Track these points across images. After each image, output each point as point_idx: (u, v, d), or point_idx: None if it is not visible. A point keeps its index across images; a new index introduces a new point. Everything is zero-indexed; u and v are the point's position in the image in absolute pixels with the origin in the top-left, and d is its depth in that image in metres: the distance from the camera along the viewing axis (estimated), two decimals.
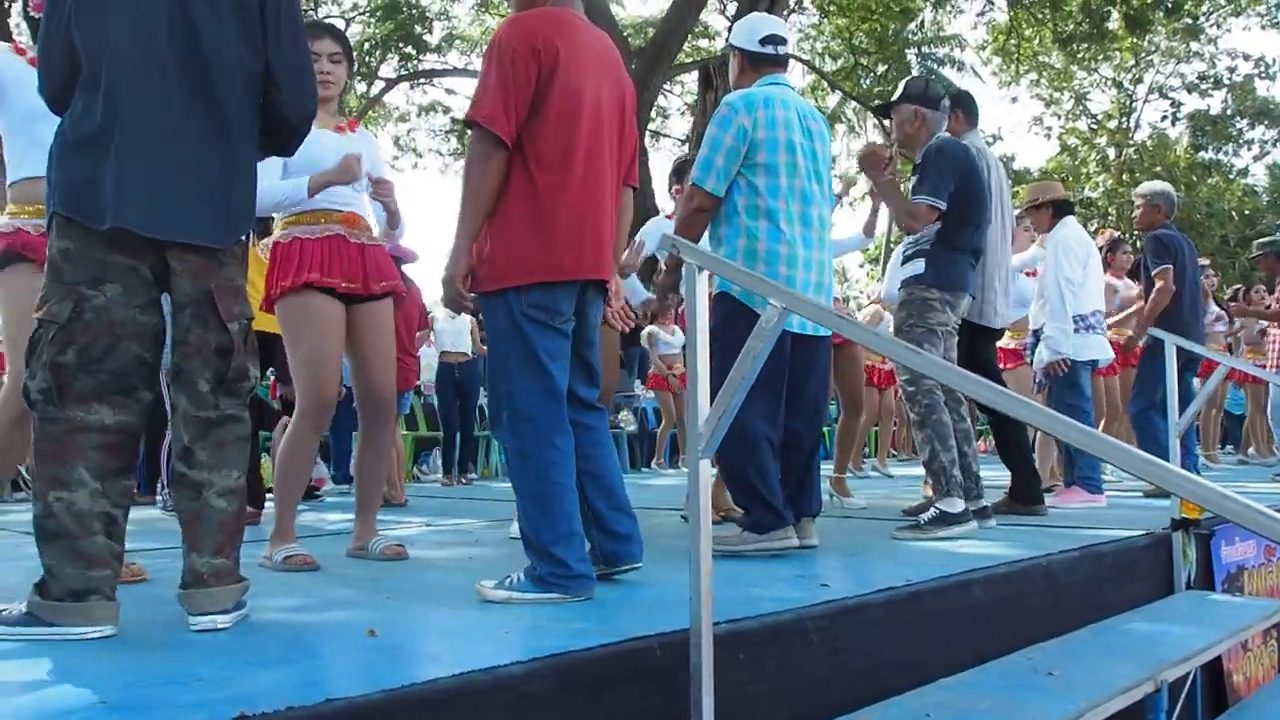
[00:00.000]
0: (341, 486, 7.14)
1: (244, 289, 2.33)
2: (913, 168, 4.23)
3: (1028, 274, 6.25)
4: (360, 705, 1.60)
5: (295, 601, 2.61)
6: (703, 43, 20.95)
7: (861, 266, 30.80)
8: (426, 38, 18.52)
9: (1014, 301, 5.22)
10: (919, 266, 4.16)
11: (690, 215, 3.48)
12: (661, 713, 1.99)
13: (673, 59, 16.56)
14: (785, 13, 15.17)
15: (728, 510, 4.05)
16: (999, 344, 5.54)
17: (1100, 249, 6.46)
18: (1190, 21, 21.79)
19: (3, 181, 3.17)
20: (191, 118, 2.19)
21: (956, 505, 3.91)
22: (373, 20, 18.17)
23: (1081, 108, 27.19)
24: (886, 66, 20.48)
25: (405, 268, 6.39)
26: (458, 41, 19.66)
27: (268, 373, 5.78)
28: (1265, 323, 8.29)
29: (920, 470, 3.99)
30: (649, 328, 8.92)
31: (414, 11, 17.97)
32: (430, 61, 19.46)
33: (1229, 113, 26.76)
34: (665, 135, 24.69)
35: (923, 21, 21.43)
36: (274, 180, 3.21)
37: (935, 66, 22.47)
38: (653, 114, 19.40)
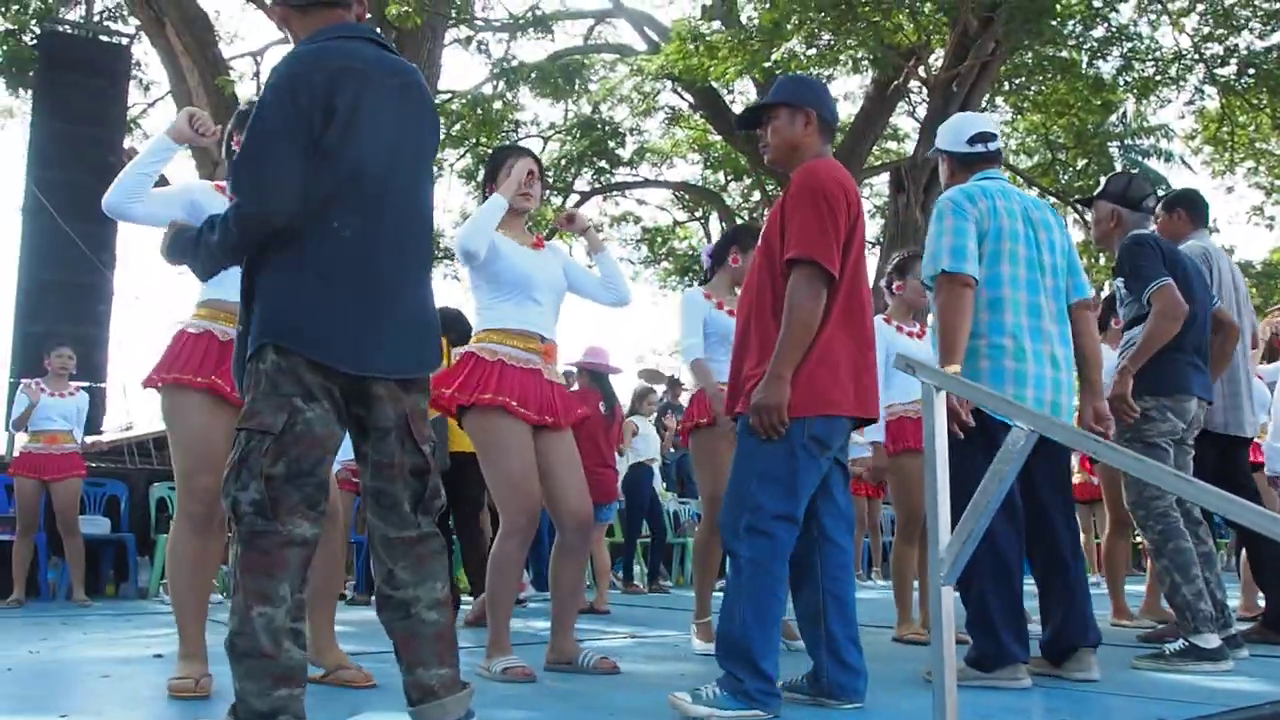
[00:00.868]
0: (544, 593, 7.22)
1: (427, 413, 2.40)
2: (1113, 269, 4.00)
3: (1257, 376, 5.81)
4: None
5: (522, 715, 2.64)
6: (891, 145, 20.91)
7: None
8: (619, 152, 19.21)
9: (1258, 406, 4.85)
10: None
11: (956, 299, 3.18)
12: None
13: (863, 162, 16.57)
14: (978, 110, 14.99)
15: None
16: None
17: None
18: None
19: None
20: (415, 257, 2.32)
21: (1211, 640, 3.54)
22: (569, 138, 19.02)
23: None
24: (1087, 160, 19.81)
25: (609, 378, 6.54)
26: (649, 154, 20.30)
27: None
28: None
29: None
30: None
31: (607, 128, 18.71)
32: (622, 174, 20.15)
33: None
34: None
35: (1125, 113, 20.70)
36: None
37: (1140, 159, 21.58)
38: None
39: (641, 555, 8.95)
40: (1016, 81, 17.21)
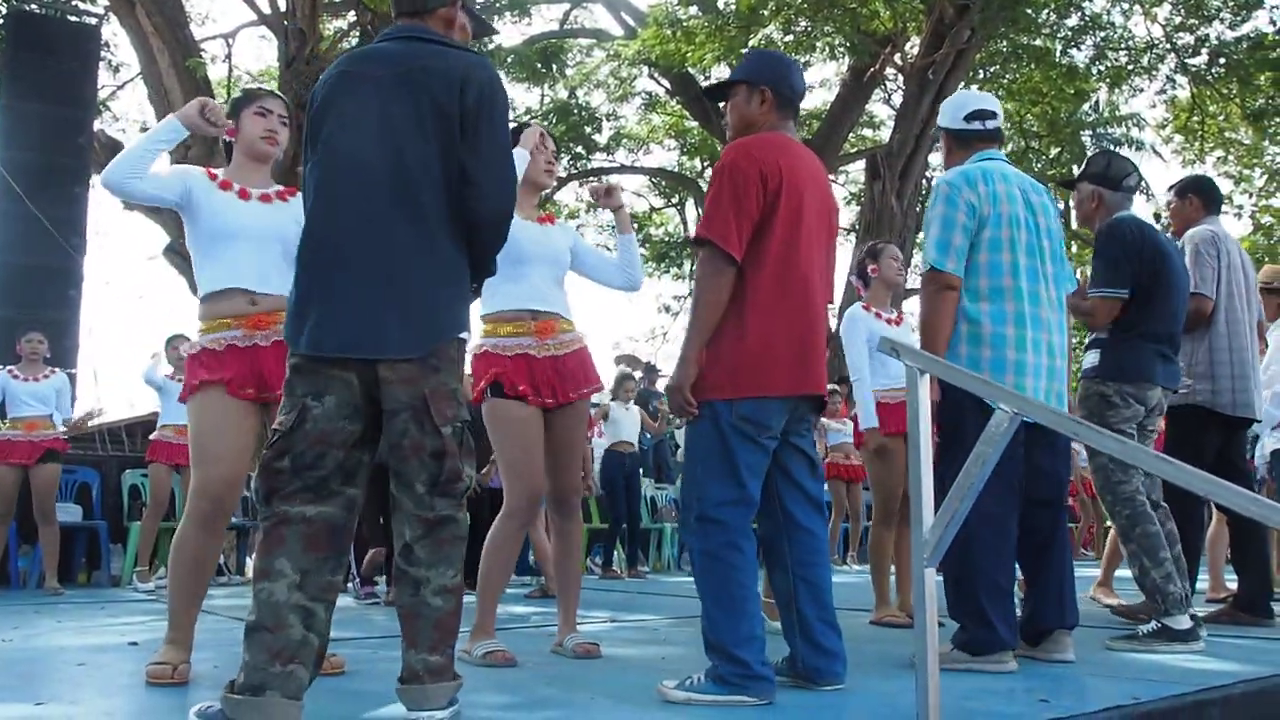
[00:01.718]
0: (524, 578, 7.25)
1: (458, 391, 2.36)
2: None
3: None
4: None
5: (503, 699, 2.64)
6: (867, 132, 20.95)
7: None
8: (596, 137, 19.13)
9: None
10: (1093, 358, 3.85)
11: (939, 300, 3.24)
12: None
13: (838, 149, 16.60)
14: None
15: None
16: None
17: None
18: None
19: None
20: (397, 235, 2.30)
21: (1182, 622, 3.58)
22: (546, 123, 18.95)
23: (1276, 184, 25.73)
24: (1060, 149, 19.95)
25: None
26: (625, 140, 20.25)
27: None
28: None
29: None
30: (821, 419, 8.77)
31: (584, 113, 18.64)
32: (599, 160, 20.09)
33: None
34: None
35: (1097, 102, 20.84)
36: None
37: (1111, 147, 21.73)
38: None
39: (620, 541, 8.96)
40: (991, 69, 17.29)
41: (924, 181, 16.37)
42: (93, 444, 9.48)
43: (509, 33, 16.75)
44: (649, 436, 11.20)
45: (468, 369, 3.31)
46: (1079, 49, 16.97)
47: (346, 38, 13.83)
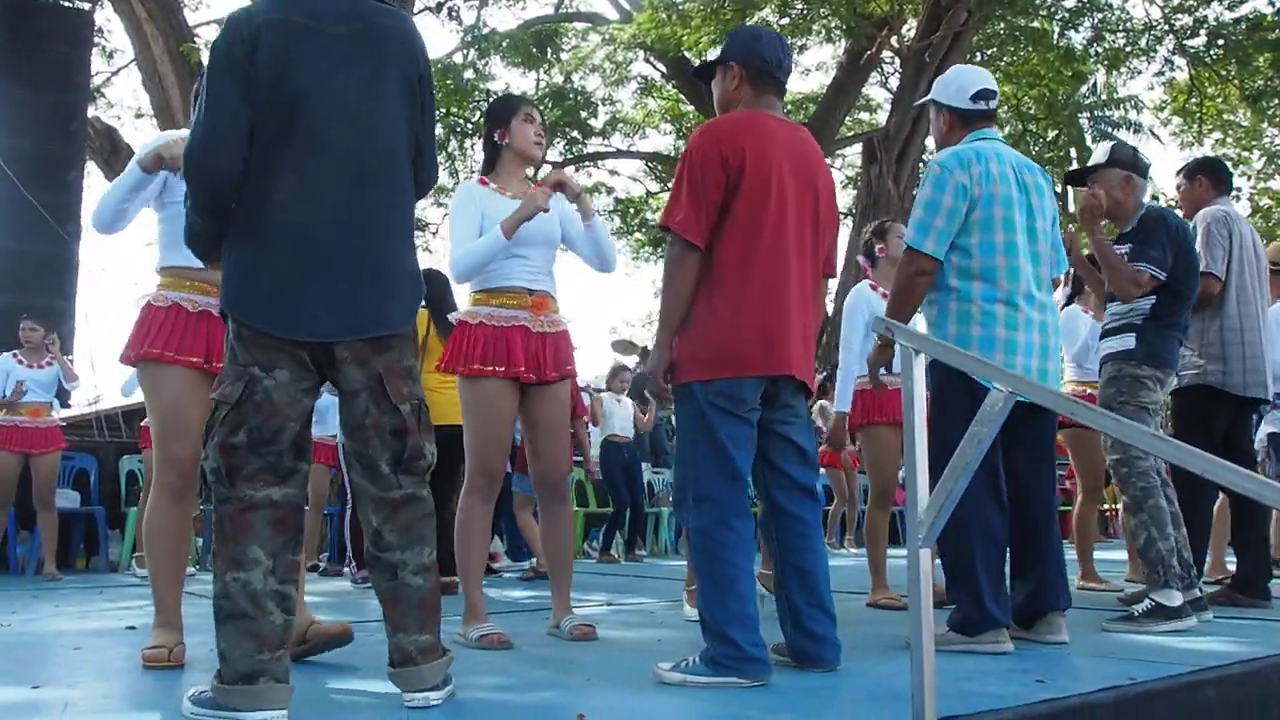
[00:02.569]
0: (519, 563, 7.25)
1: (414, 369, 2.34)
2: (1120, 234, 4.02)
3: None
4: None
5: (498, 681, 2.64)
6: (864, 115, 20.90)
7: None
8: (591, 122, 19.07)
9: None
10: (1128, 341, 3.92)
11: (909, 280, 3.25)
12: None
13: (835, 132, 16.55)
14: None
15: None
16: None
17: None
18: None
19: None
20: (370, 207, 2.24)
21: (1174, 598, 3.61)
22: (541, 108, 18.87)
23: (1274, 166, 25.70)
24: (1057, 132, 19.89)
25: None
26: (621, 125, 20.19)
27: None
28: None
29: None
30: (820, 401, 8.75)
31: (579, 98, 18.57)
32: (594, 145, 20.03)
33: None
34: None
35: (1095, 85, 20.78)
36: (469, 241, 3.36)
37: (1109, 130, 21.70)
38: None
39: (620, 528, 8.98)
40: (988, 52, 17.23)
41: (920, 164, 16.33)
42: (90, 430, 9.47)
43: (504, 17, 16.70)
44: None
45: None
46: (1077, 30, 16.92)
47: None
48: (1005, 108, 20.53)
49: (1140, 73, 19.67)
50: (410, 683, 2.23)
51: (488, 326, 3.39)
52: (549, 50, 16.98)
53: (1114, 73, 19.91)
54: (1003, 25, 15.39)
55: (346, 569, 6.63)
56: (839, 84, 16.16)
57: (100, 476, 7.90)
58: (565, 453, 3.55)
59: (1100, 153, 4.20)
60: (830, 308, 13.61)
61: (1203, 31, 16.62)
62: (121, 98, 18.45)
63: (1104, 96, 21.71)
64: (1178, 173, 4.83)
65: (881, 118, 18.80)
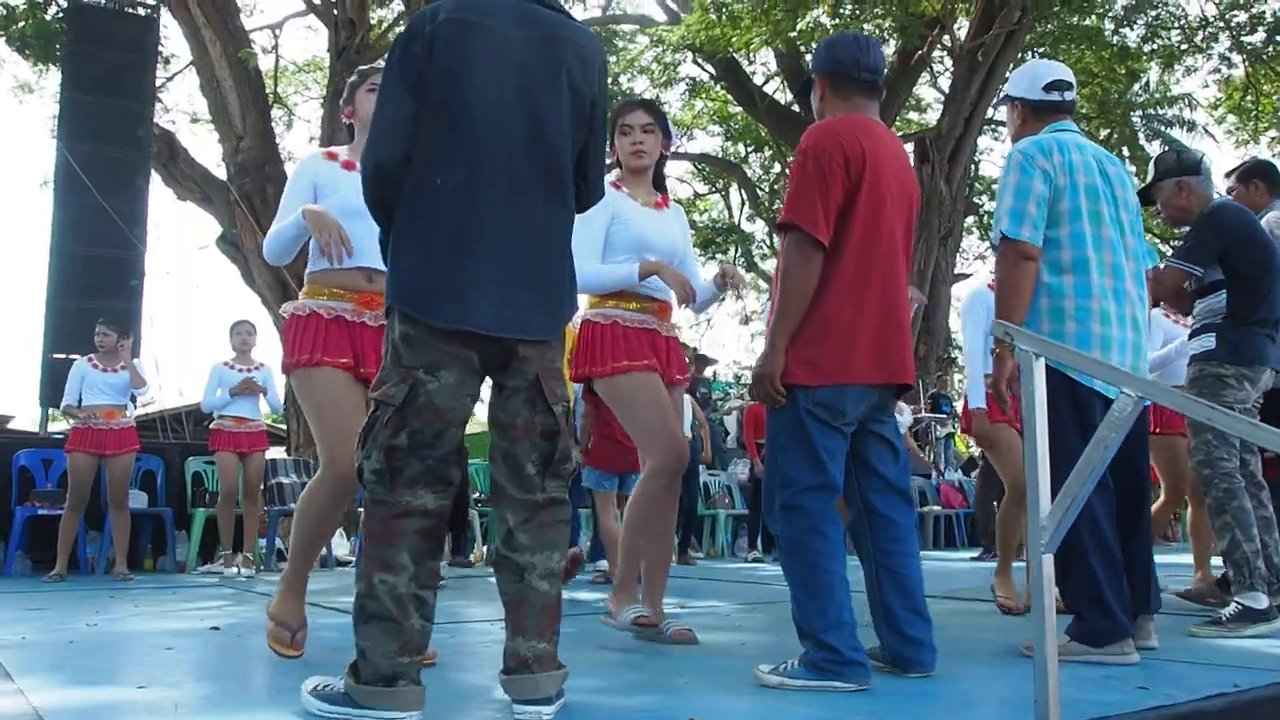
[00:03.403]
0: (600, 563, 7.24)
1: (562, 371, 2.34)
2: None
3: None
4: None
5: (597, 683, 2.65)
6: (914, 115, 20.75)
7: None
8: None
9: None
10: (1209, 342, 3.88)
11: (1014, 270, 3.10)
12: None
13: None
14: (1001, 81, 14.83)
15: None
16: None
17: None
18: None
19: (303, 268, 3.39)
20: (536, 211, 2.24)
21: (1261, 600, 3.57)
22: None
23: None
24: (1109, 131, 19.65)
25: None
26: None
27: None
28: None
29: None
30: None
31: (628, 99, 18.63)
32: None
33: None
34: None
35: (1148, 83, 20.50)
36: (593, 253, 3.35)
37: (1162, 129, 21.39)
38: None
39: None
40: (1041, 50, 17.02)
41: (973, 165, 16.19)
42: (154, 432, 9.63)
43: None
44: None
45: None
46: (1131, 28, 16.69)
47: (395, 26, 13.89)
48: None
49: (1195, 70, 19.34)
50: (522, 691, 2.19)
51: (622, 327, 3.39)
52: None
53: (1168, 70, 19.63)
54: (1056, 23, 15.21)
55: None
56: (890, 84, 15.99)
57: (166, 478, 8.03)
58: (683, 439, 3.49)
59: (1150, 172, 4.16)
60: None
61: (1260, 28, 16.32)
62: (177, 102, 18.78)
63: (1157, 95, 21.41)
64: (1228, 174, 4.74)
65: (932, 118, 18.66)
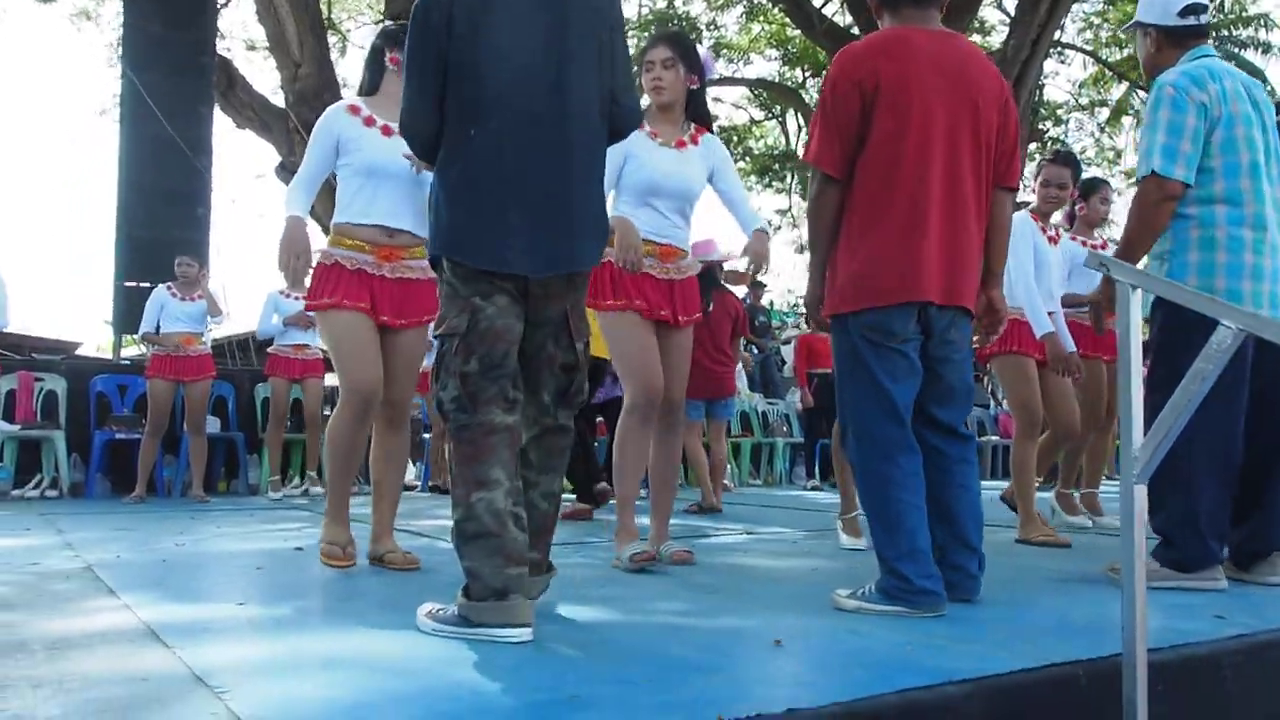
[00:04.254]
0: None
1: (585, 310, 2.52)
2: None
3: None
4: (828, 715, 1.63)
5: (678, 606, 2.72)
6: (976, 38, 20.15)
7: None
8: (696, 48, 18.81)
9: None
10: None
11: (1155, 209, 3.05)
12: None
13: None
14: (1069, 1, 14.35)
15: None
16: None
17: None
18: None
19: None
20: (562, 152, 2.35)
21: None
22: (644, 34, 18.68)
23: None
24: None
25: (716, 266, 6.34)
26: (725, 50, 19.87)
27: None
28: None
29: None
30: None
31: (684, 23, 18.33)
32: None
33: None
34: None
35: (1222, 4, 19.71)
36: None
37: (1236, 51, 20.62)
38: None
39: (732, 455, 9.05)
40: None
41: (1038, 90, 15.77)
42: (223, 358, 9.84)
43: None
44: (756, 353, 11.20)
45: None
46: None
47: None
48: (1128, 32, 19.64)
49: None
50: None
51: (613, 268, 3.42)
52: None
53: None
54: None
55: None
56: (954, 6, 15.59)
57: (237, 403, 8.24)
58: (683, 383, 3.59)
59: None
60: None
61: None
62: (231, 29, 18.81)
63: (1232, 15, 20.62)
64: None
65: (996, 40, 18.13)
